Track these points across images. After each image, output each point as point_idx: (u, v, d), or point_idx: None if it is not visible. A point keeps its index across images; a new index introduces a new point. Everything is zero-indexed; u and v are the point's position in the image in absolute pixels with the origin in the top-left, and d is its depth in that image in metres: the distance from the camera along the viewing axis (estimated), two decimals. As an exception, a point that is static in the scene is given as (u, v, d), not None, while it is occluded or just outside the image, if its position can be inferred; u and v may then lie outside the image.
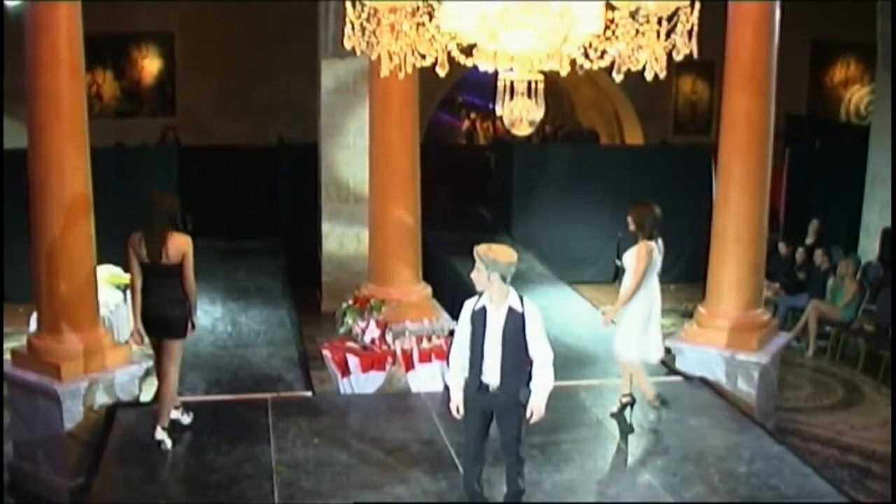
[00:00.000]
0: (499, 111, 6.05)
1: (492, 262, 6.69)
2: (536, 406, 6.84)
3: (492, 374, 6.76)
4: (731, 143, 10.15)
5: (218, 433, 8.59)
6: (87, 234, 9.18)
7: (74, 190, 8.99)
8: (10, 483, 9.33)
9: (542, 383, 6.88)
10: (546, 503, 7.21)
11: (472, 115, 27.17)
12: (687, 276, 15.31)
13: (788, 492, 7.66)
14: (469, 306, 6.87)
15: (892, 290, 13.18)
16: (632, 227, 8.82)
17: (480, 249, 6.75)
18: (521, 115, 5.91)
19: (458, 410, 6.92)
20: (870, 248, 15.56)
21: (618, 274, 16.54)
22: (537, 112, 5.94)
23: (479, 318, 6.78)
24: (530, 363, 6.88)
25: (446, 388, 7.06)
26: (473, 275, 6.77)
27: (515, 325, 6.74)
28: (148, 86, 19.95)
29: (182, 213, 15.78)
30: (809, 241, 15.79)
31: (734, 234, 10.14)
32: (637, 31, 5.53)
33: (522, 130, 6.08)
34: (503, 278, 6.70)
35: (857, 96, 21.64)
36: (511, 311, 6.76)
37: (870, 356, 12.93)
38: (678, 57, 5.58)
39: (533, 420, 6.89)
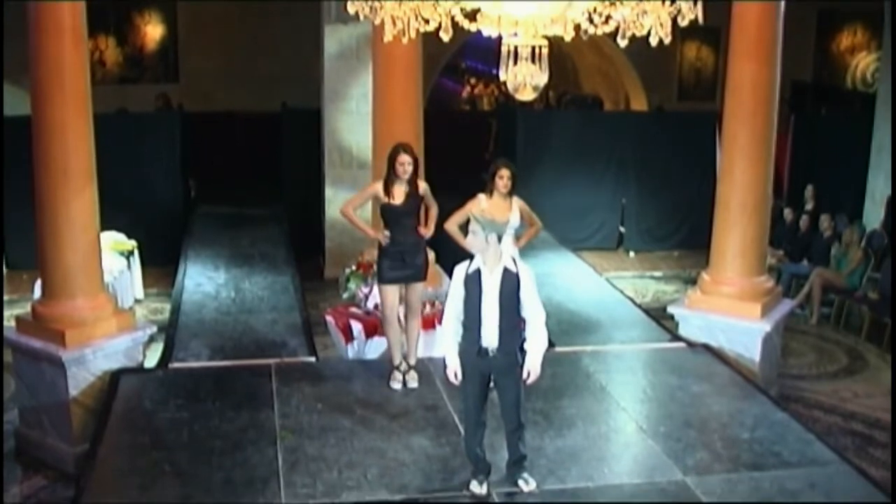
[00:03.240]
0: (503, 76, 6.03)
1: (489, 223, 6.71)
2: (533, 367, 6.86)
3: (490, 337, 6.77)
4: (736, 111, 10.09)
5: (222, 399, 8.59)
6: (90, 201, 9.15)
7: (77, 156, 8.94)
8: (16, 450, 9.37)
9: (537, 343, 6.89)
10: None
11: (474, 81, 27.08)
12: (690, 243, 15.32)
13: (791, 458, 7.66)
14: (461, 270, 6.87)
15: (893, 258, 13.16)
16: None
17: (475, 212, 6.75)
18: (525, 80, 5.89)
19: (455, 376, 6.93)
20: (875, 215, 15.53)
21: (622, 240, 16.62)
22: (541, 77, 5.92)
23: (474, 281, 6.78)
24: (522, 324, 6.89)
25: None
26: (469, 239, 6.77)
27: (511, 286, 6.76)
28: (150, 52, 19.87)
29: (185, 180, 15.90)
30: (808, 206, 15.78)
31: (738, 201, 10.11)
32: (642, -4, 5.51)
33: (526, 96, 6.07)
34: (499, 238, 6.73)
35: (863, 63, 21.53)
36: (506, 271, 6.78)
37: (873, 324, 12.94)
38: (683, 22, 5.55)
39: (529, 381, 6.90)
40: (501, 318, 6.76)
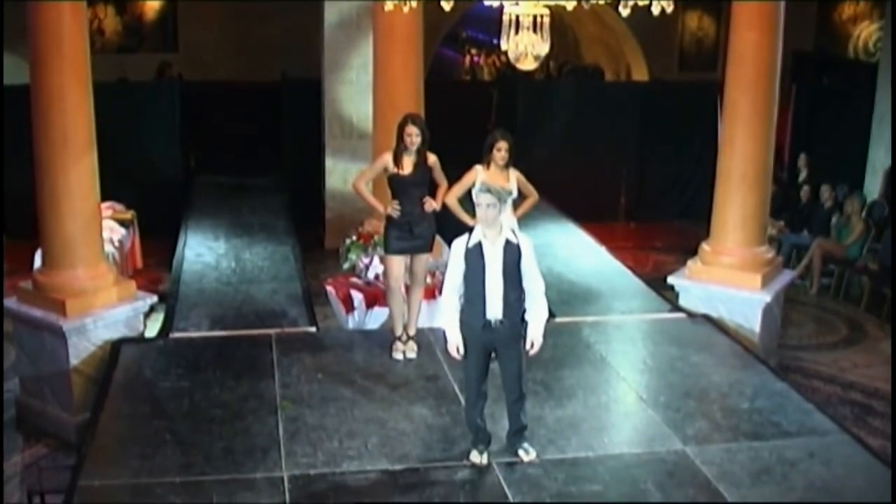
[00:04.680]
0: (504, 46, 6.02)
1: (506, 193, 6.72)
2: (535, 337, 6.87)
3: (494, 309, 6.76)
4: (738, 81, 10.05)
5: (222, 369, 8.61)
6: (90, 170, 9.15)
7: (77, 125, 8.94)
8: (18, 419, 9.41)
9: (539, 314, 6.90)
10: None
11: (475, 52, 26.96)
12: (691, 214, 15.29)
13: (791, 428, 7.68)
14: (461, 245, 6.85)
15: (892, 229, 13.15)
16: None
17: (492, 185, 6.75)
18: (526, 49, 5.90)
19: (458, 351, 6.93)
20: (875, 186, 15.48)
21: (622, 211, 16.60)
22: (543, 47, 5.92)
23: (476, 254, 6.76)
24: (522, 295, 6.90)
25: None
26: (483, 212, 6.75)
27: (513, 258, 6.76)
28: (149, 21, 19.77)
29: (185, 150, 15.88)
30: (802, 175, 15.75)
31: (739, 172, 10.08)
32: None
33: (527, 65, 6.07)
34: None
35: (865, 33, 21.39)
36: (508, 243, 6.77)
37: (873, 295, 12.96)
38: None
39: (532, 352, 6.92)
40: (505, 289, 6.76)
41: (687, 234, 14.52)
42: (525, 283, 6.85)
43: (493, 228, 6.78)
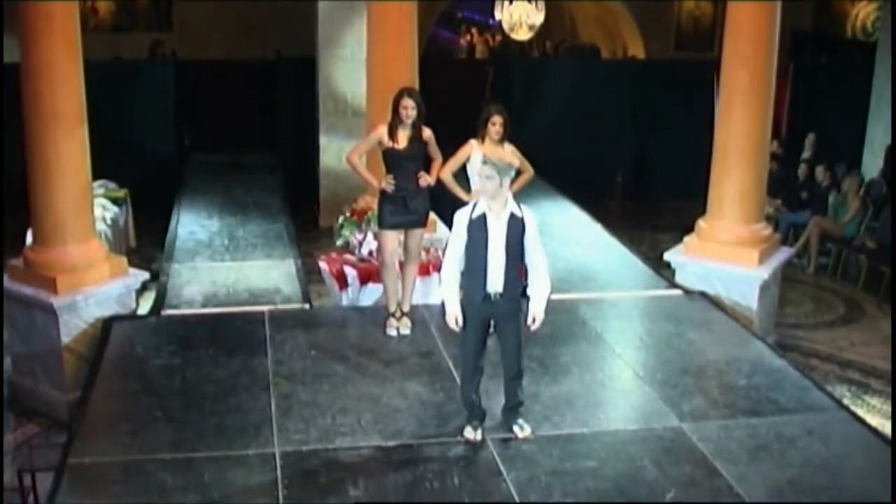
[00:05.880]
0: (498, 16, 5.92)
1: (506, 167, 6.66)
2: (537, 312, 6.82)
3: (495, 283, 6.70)
4: (735, 54, 9.97)
5: (215, 346, 8.53)
6: (80, 145, 9.06)
7: (68, 99, 8.85)
8: (10, 398, 9.34)
9: (542, 289, 6.85)
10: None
11: (472, 32, 26.86)
12: (687, 194, 15.21)
13: (789, 405, 7.63)
14: (464, 216, 6.76)
15: (892, 207, 13.09)
16: None
17: (493, 157, 6.69)
18: (520, 18, 5.80)
19: (456, 323, 6.85)
20: (873, 165, 15.42)
21: (618, 189, 16.54)
22: (537, 16, 5.84)
23: (479, 226, 6.68)
24: (524, 270, 6.83)
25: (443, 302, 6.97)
26: (481, 185, 6.68)
27: (517, 231, 6.68)
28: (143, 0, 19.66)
29: (179, 128, 15.79)
30: (806, 154, 15.69)
31: (737, 146, 10.00)
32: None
33: (522, 35, 5.97)
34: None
35: (863, 13, 21.26)
36: (512, 216, 6.69)
37: (871, 273, 12.91)
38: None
39: (534, 328, 6.86)
40: (507, 263, 6.69)
41: (683, 214, 14.40)
42: (528, 258, 6.79)
43: (498, 201, 6.69)
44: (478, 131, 8.90)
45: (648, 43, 21.01)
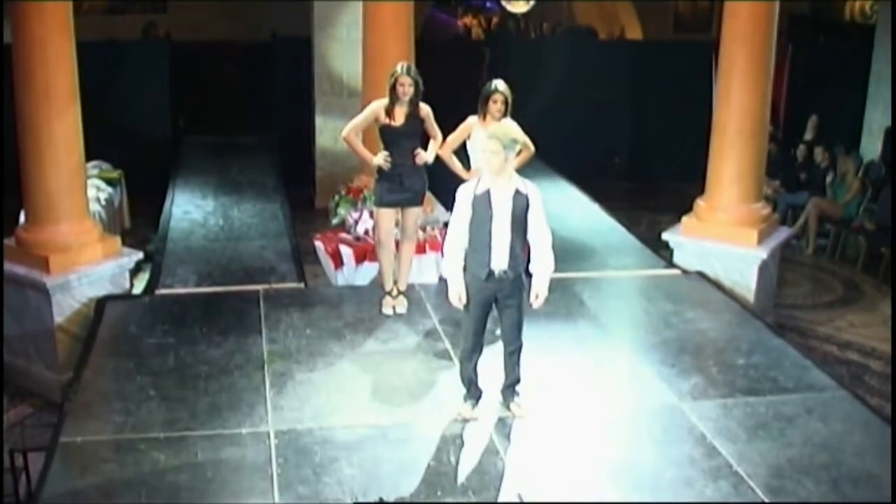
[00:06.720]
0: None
1: (512, 141, 6.57)
2: (540, 289, 6.77)
3: (500, 259, 6.62)
4: (734, 34, 9.89)
5: (209, 325, 8.47)
6: (73, 125, 8.97)
7: (59, 76, 8.75)
8: (2, 378, 9.25)
9: (545, 266, 6.81)
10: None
11: (471, 14, 26.73)
12: (684, 174, 15.14)
13: (788, 384, 7.58)
14: (468, 191, 6.66)
15: (892, 188, 13.03)
16: None
17: (499, 132, 6.60)
18: (518, -10, 5.69)
19: (459, 299, 6.77)
20: (872, 147, 15.34)
21: (616, 170, 16.48)
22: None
23: (483, 202, 6.58)
24: (526, 247, 6.76)
25: (442, 279, 6.89)
26: (486, 160, 6.59)
27: (521, 207, 6.61)
28: (137, -19, 19.57)
29: (174, 110, 15.70)
30: (808, 136, 15.63)
31: (736, 126, 9.92)
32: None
33: (519, 8, 5.87)
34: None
35: (861, -2, 21.21)
36: (517, 192, 6.61)
37: (870, 254, 12.85)
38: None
39: (537, 305, 6.81)
40: (512, 240, 6.62)
41: (681, 195, 14.33)
42: (531, 235, 6.74)
43: (503, 176, 6.60)
44: (479, 108, 8.78)
45: (646, 25, 20.93)
